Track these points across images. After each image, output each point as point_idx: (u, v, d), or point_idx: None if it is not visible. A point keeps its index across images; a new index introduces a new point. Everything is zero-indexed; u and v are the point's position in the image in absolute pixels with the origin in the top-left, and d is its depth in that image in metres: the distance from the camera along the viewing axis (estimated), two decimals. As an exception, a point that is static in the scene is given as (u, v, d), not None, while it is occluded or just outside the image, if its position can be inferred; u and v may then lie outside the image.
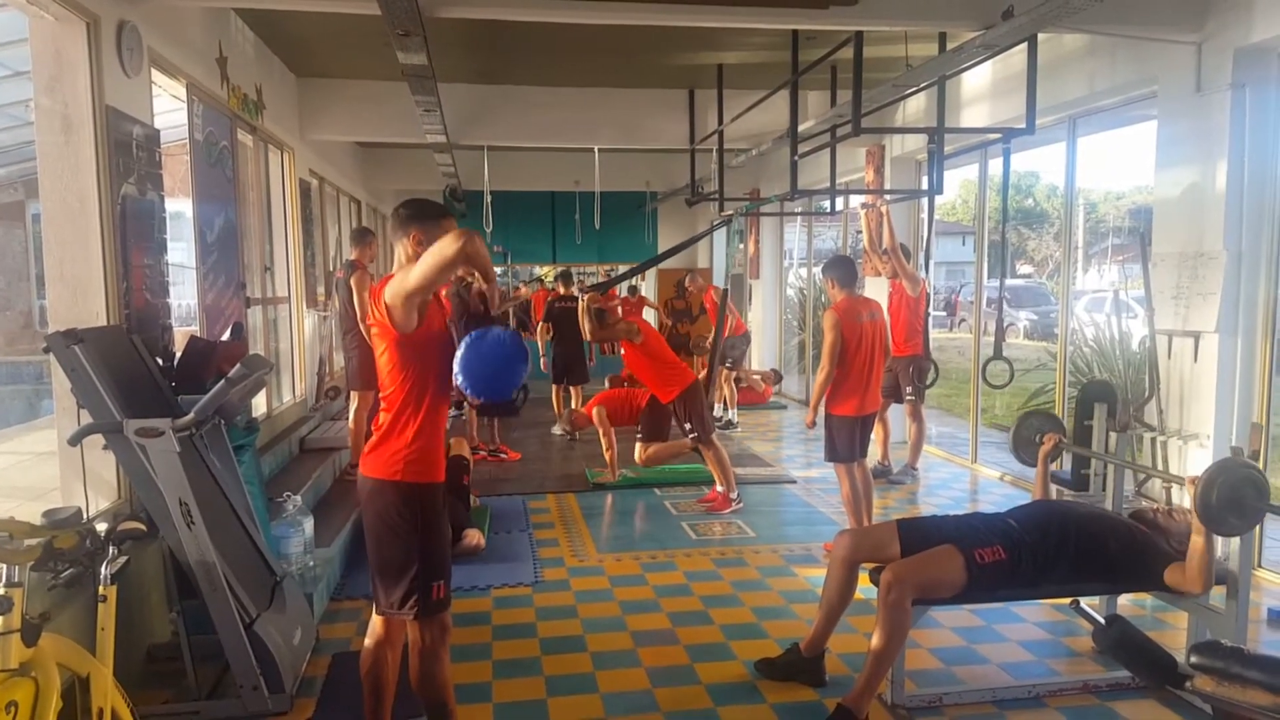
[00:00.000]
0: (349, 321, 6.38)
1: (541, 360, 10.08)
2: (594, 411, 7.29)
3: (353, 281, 6.22)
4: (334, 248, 9.97)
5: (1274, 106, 4.89)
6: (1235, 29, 4.82)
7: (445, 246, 2.57)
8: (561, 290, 9.82)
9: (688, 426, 6.49)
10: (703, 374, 9.04)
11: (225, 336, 5.39)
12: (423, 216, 2.83)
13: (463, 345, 2.74)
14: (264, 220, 7.19)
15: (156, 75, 4.83)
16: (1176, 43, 5.09)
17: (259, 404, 6.54)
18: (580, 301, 7.03)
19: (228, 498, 3.83)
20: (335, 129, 8.67)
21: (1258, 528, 4.80)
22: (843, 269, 5.43)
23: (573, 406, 9.38)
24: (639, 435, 7.24)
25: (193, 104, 5.36)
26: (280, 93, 7.51)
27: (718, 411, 9.95)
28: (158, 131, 4.65)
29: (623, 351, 7.07)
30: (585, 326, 6.89)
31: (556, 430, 9.35)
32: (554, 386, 9.99)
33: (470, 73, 8.17)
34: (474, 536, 5.42)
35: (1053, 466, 4.20)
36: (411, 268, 2.65)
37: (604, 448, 7.28)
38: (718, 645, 4.12)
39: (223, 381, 3.56)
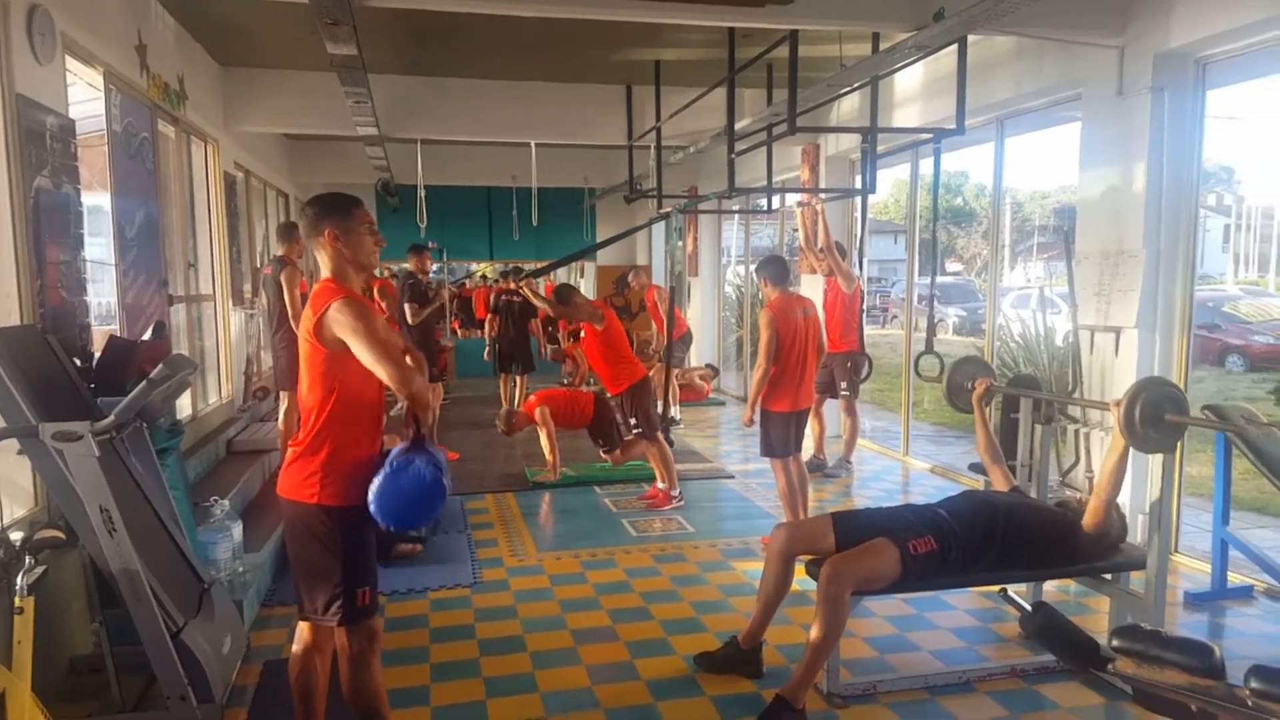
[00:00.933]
0: (278, 319, 6.23)
1: (485, 352, 10.06)
2: (537, 411, 7.21)
3: (282, 278, 6.07)
4: (261, 243, 9.73)
5: (1191, 109, 5.06)
6: (1155, 34, 4.98)
7: (395, 375, 2.56)
8: (510, 285, 9.88)
9: (633, 421, 6.47)
10: (654, 375, 9.10)
11: (147, 336, 5.21)
12: (334, 211, 2.74)
13: (381, 474, 2.65)
14: (187, 215, 6.98)
15: (71, 63, 4.65)
16: (1100, 46, 5.24)
17: (184, 405, 6.36)
18: (520, 287, 6.99)
19: (151, 503, 3.71)
20: (261, 120, 8.45)
21: (1174, 514, 4.99)
22: (775, 268, 5.48)
23: (515, 403, 9.32)
24: (602, 447, 7.24)
25: (110, 93, 5.18)
26: (203, 82, 7.30)
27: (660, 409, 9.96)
28: (73, 122, 4.48)
29: (581, 335, 7.01)
30: (546, 306, 6.85)
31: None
32: (501, 375, 10.09)
33: (403, 64, 8.03)
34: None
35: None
36: (363, 331, 2.57)
37: (546, 448, 7.21)
38: (657, 641, 4.12)
39: (144, 383, 3.43)
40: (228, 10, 6.36)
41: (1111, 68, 5.21)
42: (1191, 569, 5.01)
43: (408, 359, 2.73)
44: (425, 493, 2.64)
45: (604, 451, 7.36)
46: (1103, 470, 3.50)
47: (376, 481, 2.65)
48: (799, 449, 5.50)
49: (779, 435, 5.38)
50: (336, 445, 2.68)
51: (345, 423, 2.69)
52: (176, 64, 6.47)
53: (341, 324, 2.58)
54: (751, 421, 5.49)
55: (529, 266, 14.44)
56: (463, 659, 3.95)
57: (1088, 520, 3.52)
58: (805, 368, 5.37)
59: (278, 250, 6.39)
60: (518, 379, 9.99)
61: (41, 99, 4.09)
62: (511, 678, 3.76)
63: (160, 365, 3.50)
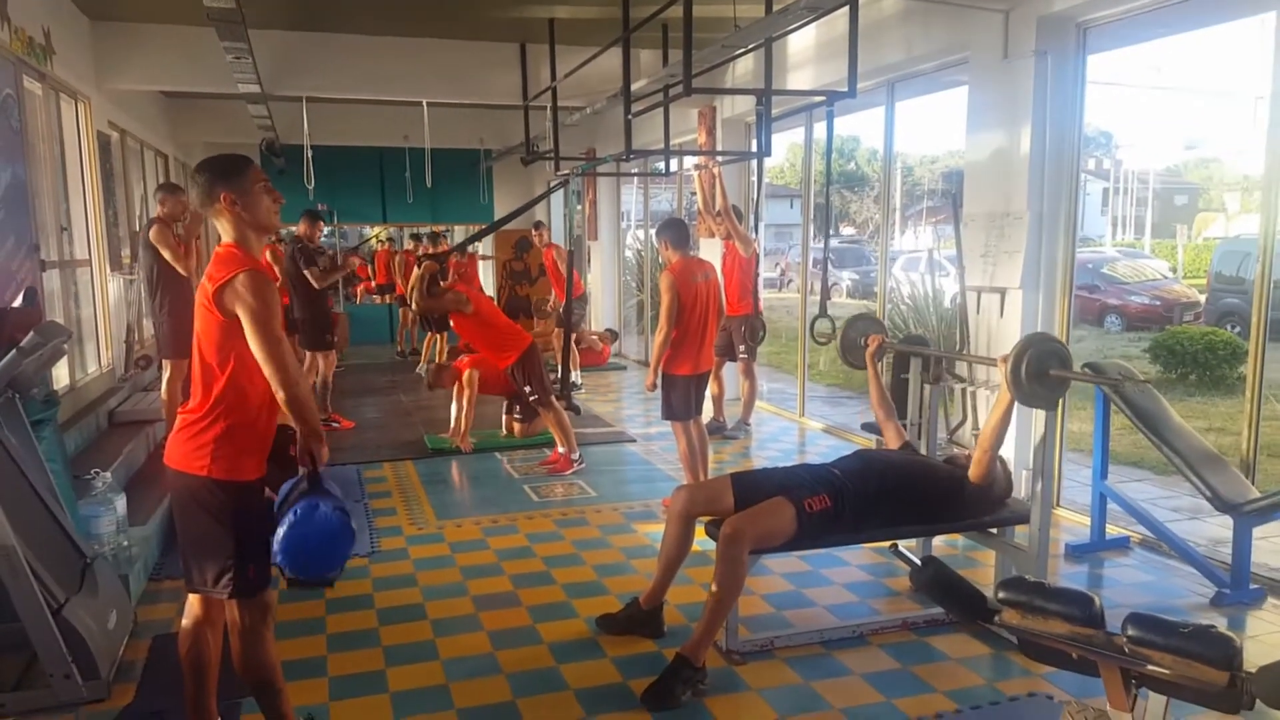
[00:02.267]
0: (155, 284, 5.96)
1: (403, 331, 10.05)
2: (466, 374, 7.01)
3: (152, 236, 5.78)
4: (140, 206, 9.27)
5: (1072, 73, 5.24)
6: (1038, -1, 5.13)
7: (284, 379, 2.52)
8: (431, 249, 10.02)
9: (528, 389, 6.45)
10: (539, 333, 9.05)
11: (17, 303, 4.92)
12: (226, 174, 2.62)
13: (285, 523, 2.58)
14: (59, 176, 6.60)
15: (-78, 12, 4.32)
16: (986, 10, 5.36)
17: (60, 376, 6.05)
18: (417, 271, 6.83)
19: (27, 477, 3.54)
20: (136, 77, 8.01)
21: (1056, 469, 5.25)
22: (675, 231, 5.51)
23: (440, 356, 9.24)
24: (515, 417, 7.17)
25: (-32, 45, 4.83)
26: (72, 37, 6.87)
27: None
28: (-74, 75, 4.17)
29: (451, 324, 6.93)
30: (413, 299, 6.74)
31: (421, 369, 9.32)
32: (429, 334, 10.48)
33: (286, 18, 7.72)
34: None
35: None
36: (265, 320, 2.49)
37: (461, 411, 7.03)
38: (559, 604, 4.15)
39: (14, 351, 3.27)
40: (95, -42, 5.99)
41: (997, 31, 5.35)
42: (1072, 522, 5.27)
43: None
44: (333, 539, 2.63)
45: (515, 421, 7.31)
46: (987, 423, 3.64)
47: (281, 532, 2.61)
48: (699, 412, 5.57)
49: (680, 399, 5.44)
50: (232, 417, 2.59)
51: (242, 393, 2.60)
52: (41, 16, 6.06)
53: (242, 299, 2.49)
54: (654, 386, 5.53)
55: (425, 230, 14.19)
56: (361, 629, 3.90)
57: (973, 472, 3.67)
58: (706, 331, 5.43)
59: (156, 211, 6.10)
60: (439, 338, 10.29)
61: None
62: (411, 645, 3.74)
63: (31, 333, 3.34)
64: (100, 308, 7.31)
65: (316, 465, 2.70)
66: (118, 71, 7.71)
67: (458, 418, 7.08)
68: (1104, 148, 37.91)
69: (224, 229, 2.65)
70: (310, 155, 9.69)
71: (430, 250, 9.75)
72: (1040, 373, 3.45)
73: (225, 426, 2.59)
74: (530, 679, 3.46)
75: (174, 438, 2.66)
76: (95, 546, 3.97)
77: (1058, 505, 5.40)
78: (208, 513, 2.61)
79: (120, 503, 4.33)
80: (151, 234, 5.78)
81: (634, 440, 7.51)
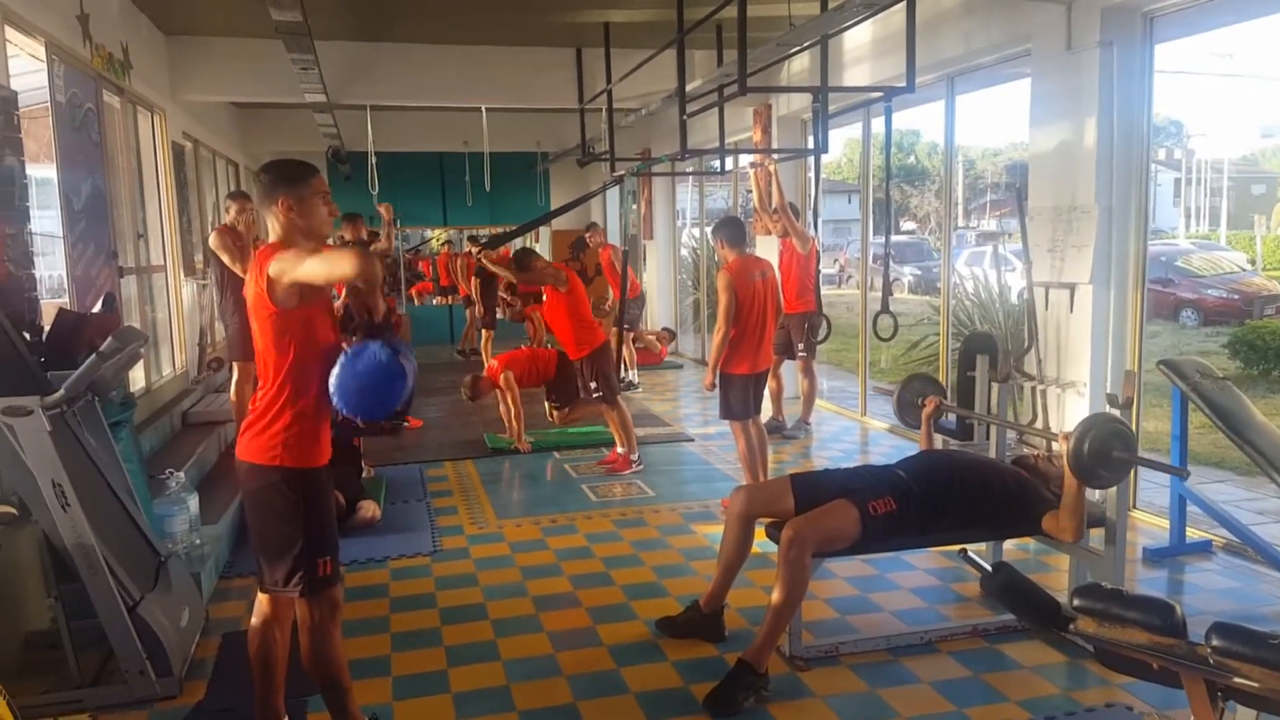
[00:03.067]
0: (224, 288, 6.12)
1: (475, 309, 10.32)
2: (501, 377, 7.14)
3: (213, 243, 5.94)
4: (211, 213, 9.54)
5: (1139, 64, 5.09)
6: (1102, -12, 4.99)
7: (343, 265, 2.51)
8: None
9: (593, 385, 6.46)
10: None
11: (97, 308, 5.10)
12: (289, 179, 2.69)
13: (338, 364, 2.63)
14: (135, 186, 6.82)
15: (11, 34, 4.51)
16: (1047, 2, 5.24)
17: (137, 378, 6.25)
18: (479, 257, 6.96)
19: (105, 477, 3.65)
20: (209, 89, 8.26)
21: (1132, 473, 5.10)
22: (731, 229, 5.49)
23: (472, 375, 9.27)
24: (553, 403, 7.21)
25: (53, 64, 5.02)
26: (149, 52, 7.10)
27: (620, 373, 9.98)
28: (15, 94, 4.35)
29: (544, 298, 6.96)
30: (505, 273, 6.83)
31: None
32: (484, 333, 10.70)
33: (350, 29, 7.87)
34: (369, 509, 5.32)
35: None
36: (303, 258, 2.53)
37: (511, 414, 7.14)
38: (619, 606, 4.15)
39: (94, 356, 3.38)
40: (170, -24, 6.18)
41: (1060, 23, 5.23)
42: (1150, 525, 5.10)
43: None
44: (384, 373, 2.62)
45: (554, 408, 7.33)
46: (1064, 506, 3.44)
47: (334, 373, 2.63)
48: (758, 411, 5.54)
49: (739, 398, 5.41)
50: (296, 406, 2.66)
51: (302, 382, 2.66)
52: (120, 33, 6.28)
53: (284, 265, 2.55)
54: (713, 385, 5.51)
55: (484, 233, 14.36)
56: (423, 628, 3.95)
57: (1048, 529, 3.53)
58: (764, 330, 5.39)
59: (227, 218, 6.27)
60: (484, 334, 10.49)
61: (-22, 70, 3.96)
62: (473, 646, 3.77)
63: (110, 338, 3.44)
64: (174, 312, 7.54)
65: (373, 317, 2.73)
66: (191, 84, 7.95)
67: (508, 421, 7.16)
68: (1174, 137, 36.78)
69: (274, 229, 2.72)
70: (374, 161, 9.87)
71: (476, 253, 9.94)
72: (1104, 454, 3.26)
73: (291, 415, 2.66)
74: (591, 681, 3.46)
75: (244, 433, 2.74)
76: (169, 545, 4.08)
77: (1134, 507, 5.23)
78: (279, 503, 2.67)
79: (193, 502, 4.45)
80: (211, 240, 5.93)
81: (692, 440, 7.50)
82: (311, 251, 2.55)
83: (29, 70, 5.03)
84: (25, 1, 4.60)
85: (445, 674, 3.54)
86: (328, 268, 2.52)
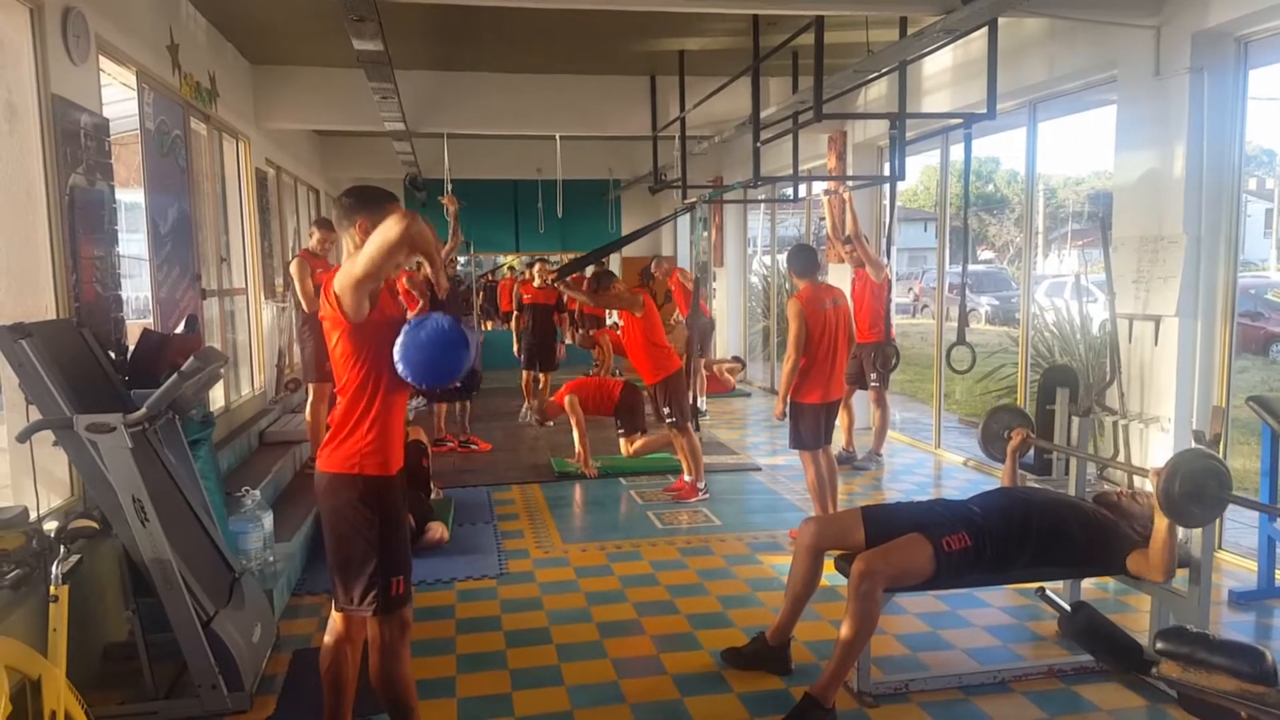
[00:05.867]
0: (302, 311, 6.27)
1: (515, 346, 10.09)
2: (566, 400, 7.20)
3: (293, 269, 6.10)
4: (292, 238, 9.81)
5: (1231, 90, 4.94)
6: (1192, 13, 4.86)
7: (388, 230, 2.49)
8: (535, 282, 9.80)
9: (666, 411, 6.43)
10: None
11: (179, 329, 5.27)
12: (367, 205, 2.75)
13: (401, 334, 2.68)
14: (219, 210, 7.05)
15: (105, 63, 4.70)
16: (1135, 26, 5.12)
17: (216, 397, 6.43)
18: (554, 288, 6.98)
19: (183, 493, 3.75)
20: (291, 117, 8.53)
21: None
22: (802, 258, 5.44)
23: (543, 395, 9.32)
24: (620, 431, 7.20)
25: (143, 92, 5.23)
26: (234, 80, 7.36)
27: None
28: (107, 120, 4.53)
29: (620, 323, 6.96)
30: (583, 298, 6.87)
31: (524, 417, 9.30)
32: (524, 373, 10.02)
33: (428, 59, 8.06)
34: (437, 530, 5.36)
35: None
36: (358, 255, 2.57)
37: (576, 438, 7.20)
38: (684, 635, 4.10)
39: (176, 375, 3.47)
40: (257, 8, 6.40)
41: (1148, 48, 5.10)
42: (1237, 566, 4.89)
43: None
44: (447, 340, 2.65)
45: (621, 436, 7.32)
46: (1154, 545, 3.28)
47: (398, 343, 2.67)
48: (829, 441, 5.45)
49: (809, 427, 5.33)
50: (370, 416, 2.72)
51: (374, 394, 2.72)
52: (208, 62, 6.53)
53: (344, 272, 2.59)
54: (783, 415, 5.44)
55: (554, 259, 14.48)
56: (489, 650, 3.95)
57: (1134, 571, 3.38)
58: (835, 359, 5.31)
59: (310, 243, 6.44)
60: (540, 376, 9.91)
61: (76, 99, 4.15)
62: (537, 670, 3.76)
63: (192, 358, 3.54)
64: (254, 334, 7.75)
65: (437, 292, 2.74)
66: (274, 112, 8.22)
67: (581, 448, 7.18)
68: (1266, 167, 35.51)
69: (349, 250, 2.77)
70: (450, 189, 10.05)
71: (536, 283, 9.85)
72: (1198, 491, 3.09)
73: (368, 425, 2.71)
74: (655, 711, 3.42)
75: (325, 446, 2.80)
76: (243, 561, 4.16)
77: (1220, 548, 5.01)
78: (358, 516, 2.71)
79: (268, 519, 4.54)
80: (293, 267, 6.09)
81: (759, 469, 7.41)
82: (362, 252, 2.57)
83: (120, 99, 5.25)
84: (119, 32, 4.81)
85: (510, 697, 3.53)
86: (378, 240, 2.51)
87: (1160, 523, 3.22)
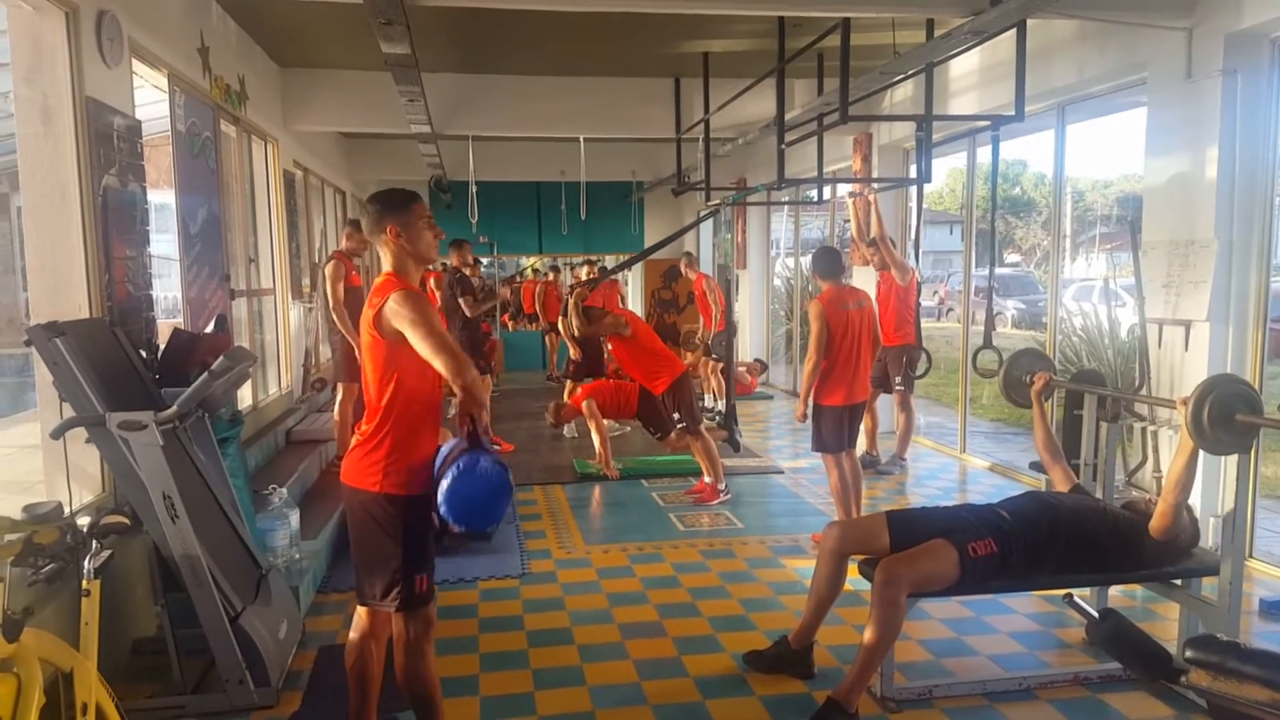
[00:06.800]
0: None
1: (552, 357, 10.00)
2: (584, 405, 7.23)
3: (327, 270, 6.15)
4: (319, 239, 9.89)
5: (1265, 92, 4.87)
6: (1226, 14, 4.80)
7: (454, 368, 2.57)
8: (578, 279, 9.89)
9: (676, 416, 6.45)
10: (703, 368, 9.01)
11: (209, 329, 5.33)
12: (395, 207, 2.79)
13: (449, 475, 2.67)
14: (248, 212, 7.12)
15: (137, 65, 4.77)
16: (1167, 28, 5.07)
17: (244, 396, 6.48)
18: (568, 300, 6.99)
19: (212, 491, 3.79)
20: (319, 119, 8.59)
21: (1249, 517, 4.82)
22: (826, 260, 5.44)
23: (557, 402, 9.31)
24: (655, 434, 7.10)
25: (174, 95, 5.29)
26: (263, 83, 7.43)
27: (707, 402, 9.93)
28: (139, 122, 4.59)
29: (609, 347, 7.00)
30: (573, 324, 6.86)
31: (570, 433, 9.08)
32: (568, 383, 9.78)
33: (454, 62, 8.11)
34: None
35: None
36: (425, 325, 2.61)
37: (596, 442, 7.21)
38: (706, 637, 4.10)
39: (206, 374, 3.51)
40: (287, 12, 6.46)
41: (1179, 50, 5.05)
42: (1267, 575, 4.82)
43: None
44: (495, 491, 2.68)
45: (658, 439, 7.32)
46: (1170, 473, 3.36)
47: (445, 484, 2.68)
48: (853, 444, 5.43)
49: (831, 430, 5.31)
50: (398, 436, 2.73)
51: (405, 413, 2.74)
52: (237, 65, 6.60)
53: (400, 315, 2.63)
54: (804, 417, 5.42)
55: (577, 260, 14.51)
56: (511, 650, 3.97)
57: (1155, 524, 3.40)
58: (858, 361, 5.29)
59: (340, 244, 6.49)
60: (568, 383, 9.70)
61: (110, 101, 4.21)
62: (559, 670, 3.77)
63: (221, 357, 3.58)
64: (281, 334, 7.82)
65: (476, 426, 2.77)
66: (302, 114, 8.29)
67: (601, 451, 7.19)
68: (1301, 169, 34.87)
69: (386, 257, 2.81)
70: (474, 190, 10.11)
71: (579, 280, 9.84)
72: (1225, 418, 3.14)
73: (392, 444, 2.73)
74: (677, 713, 3.42)
75: (349, 457, 2.82)
76: (270, 558, 4.20)
77: (1250, 557, 4.93)
78: (379, 526, 2.75)
79: (294, 517, 4.58)
80: (328, 269, 6.15)
81: (781, 472, 7.39)
82: (430, 325, 2.61)
83: (152, 101, 5.32)
84: (151, 35, 4.87)
85: (532, 696, 3.54)
86: (437, 352, 2.59)
87: (1184, 446, 3.21)
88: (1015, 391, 4.28)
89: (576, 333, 6.95)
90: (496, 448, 8.07)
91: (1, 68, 6.13)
